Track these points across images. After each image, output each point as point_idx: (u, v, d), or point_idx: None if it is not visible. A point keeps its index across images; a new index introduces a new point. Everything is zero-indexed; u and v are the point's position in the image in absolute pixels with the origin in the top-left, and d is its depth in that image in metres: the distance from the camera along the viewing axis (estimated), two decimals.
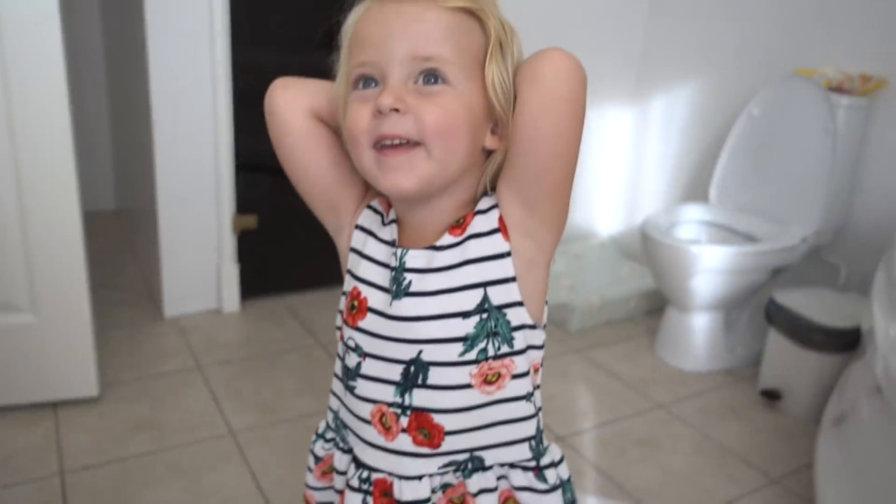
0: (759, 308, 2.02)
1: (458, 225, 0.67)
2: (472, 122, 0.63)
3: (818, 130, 1.87)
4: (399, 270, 0.67)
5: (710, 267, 1.85)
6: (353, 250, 0.73)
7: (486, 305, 0.65)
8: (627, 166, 2.71)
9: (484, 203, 0.67)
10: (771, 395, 1.81)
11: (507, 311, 0.66)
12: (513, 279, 0.65)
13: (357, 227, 0.73)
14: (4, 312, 1.49)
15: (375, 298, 0.69)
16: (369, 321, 0.69)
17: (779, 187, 2.00)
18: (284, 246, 2.21)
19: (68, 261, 1.50)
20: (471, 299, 0.65)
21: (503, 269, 0.65)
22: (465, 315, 0.65)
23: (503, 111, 0.64)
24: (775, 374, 1.83)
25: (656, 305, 2.31)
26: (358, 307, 0.70)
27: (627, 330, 2.25)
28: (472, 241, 0.66)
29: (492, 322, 0.65)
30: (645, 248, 1.96)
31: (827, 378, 1.70)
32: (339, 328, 0.74)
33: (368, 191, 0.74)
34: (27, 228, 1.45)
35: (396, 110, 0.60)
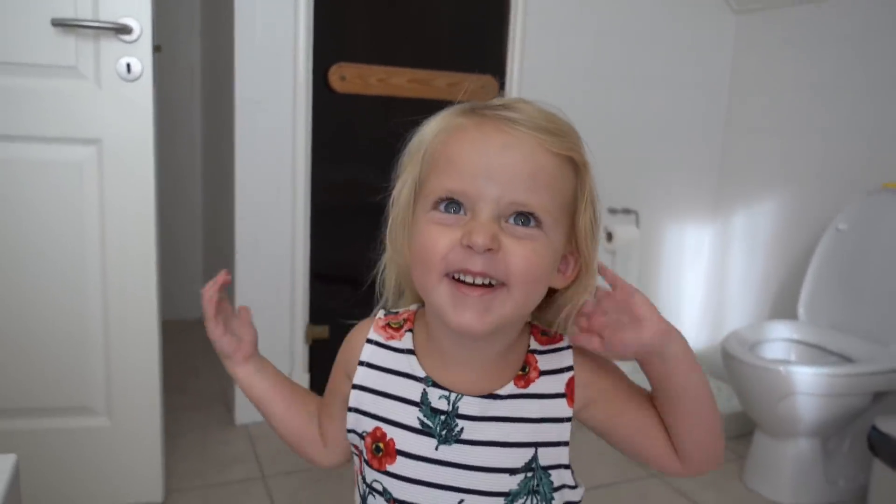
0: (863, 435, 1.83)
1: (523, 375, 0.65)
2: (553, 267, 0.61)
3: None
4: (451, 416, 0.64)
5: (800, 390, 1.71)
6: (362, 387, 0.68)
7: (534, 465, 0.63)
8: (711, 282, 2.61)
9: (551, 362, 0.65)
10: None
11: (552, 471, 0.64)
12: (566, 443, 0.64)
13: (362, 363, 0.69)
14: (82, 415, 1.55)
15: (406, 441, 0.65)
16: (401, 465, 0.65)
17: (874, 305, 1.86)
18: None
19: (145, 369, 1.56)
20: (521, 457, 0.63)
21: (559, 432, 0.64)
22: (513, 472, 0.63)
23: (588, 257, 0.63)
24: None
25: (746, 429, 2.14)
26: (384, 450, 0.65)
27: None
28: (535, 401, 0.64)
29: (535, 481, 0.63)
30: (727, 367, 1.84)
31: None
32: (357, 466, 0.71)
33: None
34: (109, 336, 1.53)
35: (490, 249, 0.56)
